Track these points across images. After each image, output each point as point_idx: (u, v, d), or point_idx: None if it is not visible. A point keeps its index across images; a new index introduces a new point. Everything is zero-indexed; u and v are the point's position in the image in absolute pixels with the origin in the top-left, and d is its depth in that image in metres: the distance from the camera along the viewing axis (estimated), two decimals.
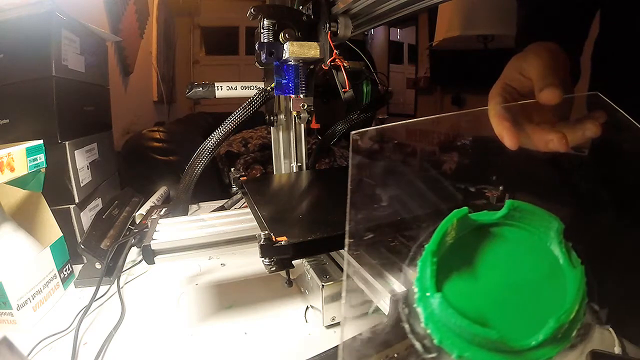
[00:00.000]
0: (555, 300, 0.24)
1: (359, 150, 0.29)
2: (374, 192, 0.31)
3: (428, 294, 0.25)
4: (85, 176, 0.67)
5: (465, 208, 0.27)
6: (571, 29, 0.46)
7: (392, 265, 0.40)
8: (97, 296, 0.50)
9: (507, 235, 0.28)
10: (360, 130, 0.29)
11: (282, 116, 0.66)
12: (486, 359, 0.23)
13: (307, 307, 0.48)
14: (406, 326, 0.26)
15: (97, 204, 0.72)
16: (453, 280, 0.26)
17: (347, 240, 0.27)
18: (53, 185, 0.58)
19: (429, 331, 0.25)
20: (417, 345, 0.25)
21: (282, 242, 0.35)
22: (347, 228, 0.27)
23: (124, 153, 1.18)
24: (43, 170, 0.54)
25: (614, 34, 0.48)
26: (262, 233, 0.35)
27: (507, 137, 0.30)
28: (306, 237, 0.36)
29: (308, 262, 0.48)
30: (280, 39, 0.47)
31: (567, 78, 0.34)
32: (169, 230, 0.46)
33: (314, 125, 0.60)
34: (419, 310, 0.26)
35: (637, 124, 0.27)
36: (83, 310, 0.47)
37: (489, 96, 0.35)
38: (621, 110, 0.28)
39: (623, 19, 0.47)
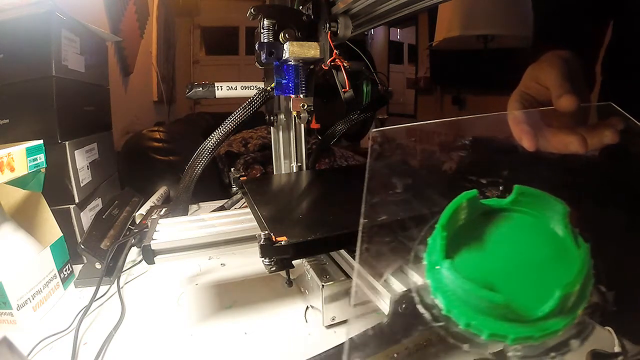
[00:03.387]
0: (561, 278, 0.24)
1: (377, 145, 0.30)
2: (390, 181, 0.32)
3: (438, 267, 0.26)
4: (85, 176, 0.67)
5: (474, 190, 0.28)
6: (586, 37, 0.47)
7: (392, 266, 0.41)
8: (97, 296, 0.50)
9: (515, 219, 0.29)
10: (380, 128, 0.31)
11: (282, 116, 0.66)
12: (493, 328, 0.23)
13: (307, 307, 0.48)
14: (416, 297, 0.27)
15: (97, 204, 0.72)
16: (462, 254, 0.27)
17: (361, 220, 0.29)
18: (53, 185, 0.58)
19: (437, 301, 0.25)
20: (426, 314, 0.26)
21: (282, 242, 0.35)
22: (362, 210, 0.28)
23: (124, 153, 1.18)
24: (43, 170, 0.54)
25: (626, 43, 0.49)
26: (262, 233, 0.35)
27: (525, 139, 0.31)
28: (306, 237, 0.36)
29: (308, 262, 0.48)
30: (280, 39, 0.47)
31: (583, 85, 0.35)
32: (169, 230, 0.46)
33: (314, 125, 0.60)
34: (428, 282, 0.27)
35: None
36: (83, 310, 0.47)
37: (508, 103, 0.37)
38: (634, 119, 0.29)
39: (636, 27, 0.48)
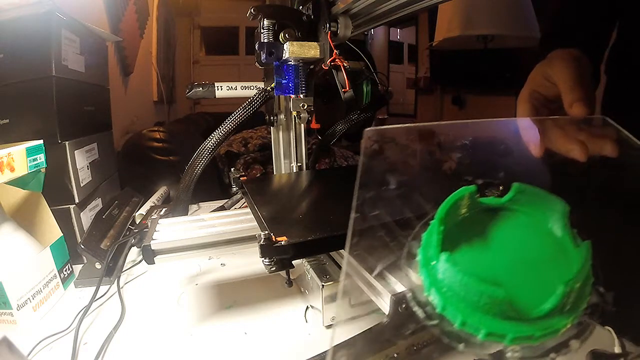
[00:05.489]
0: (561, 277, 0.23)
1: (371, 143, 0.30)
2: (383, 177, 0.32)
3: (433, 262, 0.25)
4: (85, 176, 0.67)
5: (474, 186, 0.28)
6: (593, 38, 0.47)
7: (392, 265, 0.41)
8: (97, 296, 0.50)
9: (513, 217, 0.29)
10: (374, 127, 0.30)
11: (282, 116, 0.66)
12: (491, 326, 0.21)
13: (307, 307, 0.48)
14: (408, 295, 0.26)
15: (97, 204, 0.72)
16: (460, 251, 0.26)
17: (352, 215, 0.27)
18: (53, 185, 0.58)
19: (431, 298, 0.24)
20: (419, 312, 0.24)
21: (282, 242, 0.35)
22: (353, 204, 0.27)
23: (124, 153, 1.18)
24: (43, 170, 0.54)
25: (631, 43, 0.50)
26: (262, 233, 0.35)
27: (532, 147, 0.33)
28: (306, 237, 0.36)
29: (308, 262, 0.48)
30: (280, 39, 0.47)
31: (591, 85, 0.36)
32: (169, 230, 0.46)
33: (314, 125, 0.60)
34: (422, 278, 0.25)
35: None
36: (83, 310, 0.47)
37: (518, 101, 0.38)
38: (626, 132, 0.30)
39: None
